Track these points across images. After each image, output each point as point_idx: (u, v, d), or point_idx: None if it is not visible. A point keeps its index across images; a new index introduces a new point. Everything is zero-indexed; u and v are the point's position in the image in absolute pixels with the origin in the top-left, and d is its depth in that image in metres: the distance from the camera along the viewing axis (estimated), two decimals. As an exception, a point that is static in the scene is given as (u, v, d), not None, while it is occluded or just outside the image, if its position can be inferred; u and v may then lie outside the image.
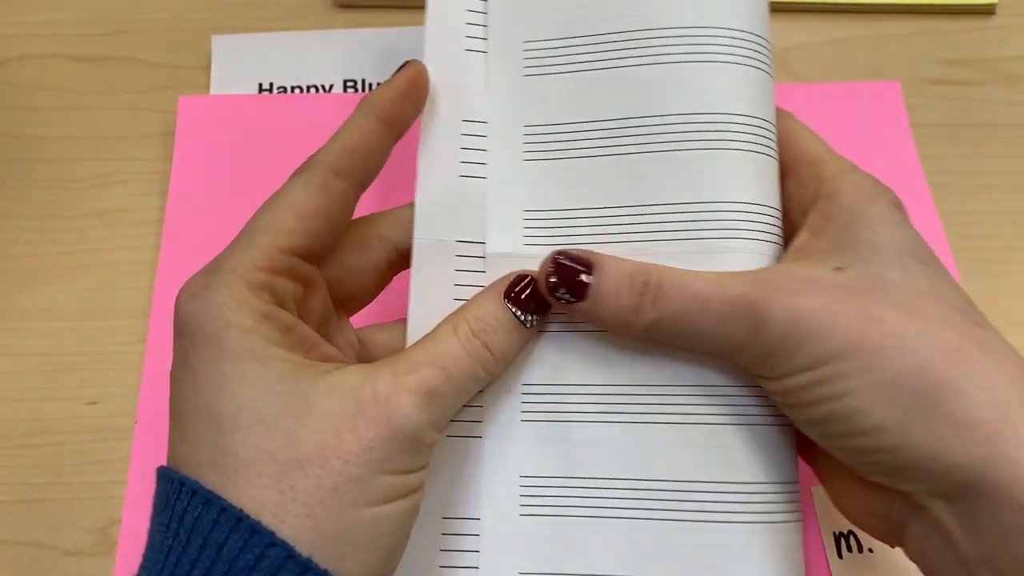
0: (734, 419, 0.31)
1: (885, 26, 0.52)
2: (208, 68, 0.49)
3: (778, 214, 0.33)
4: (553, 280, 0.31)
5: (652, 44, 0.33)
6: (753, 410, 0.31)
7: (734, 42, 0.33)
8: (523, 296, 0.31)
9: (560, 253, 0.31)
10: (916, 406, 0.27)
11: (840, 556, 0.38)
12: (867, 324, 0.28)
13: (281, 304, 0.29)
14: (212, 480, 0.26)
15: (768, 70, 0.33)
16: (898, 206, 0.31)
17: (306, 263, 0.30)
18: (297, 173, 0.31)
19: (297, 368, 0.27)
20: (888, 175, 0.47)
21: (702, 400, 0.32)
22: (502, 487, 0.32)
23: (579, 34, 0.34)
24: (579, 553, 0.32)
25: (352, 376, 0.28)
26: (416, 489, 0.28)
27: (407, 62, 0.33)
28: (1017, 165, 0.48)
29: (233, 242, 0.29)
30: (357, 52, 0.48)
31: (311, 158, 0.31)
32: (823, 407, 0.28)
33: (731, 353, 0.30)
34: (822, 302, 0.28)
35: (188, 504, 0.26)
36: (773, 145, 0.33)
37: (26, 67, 0.49)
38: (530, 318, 0.31)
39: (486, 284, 0.32)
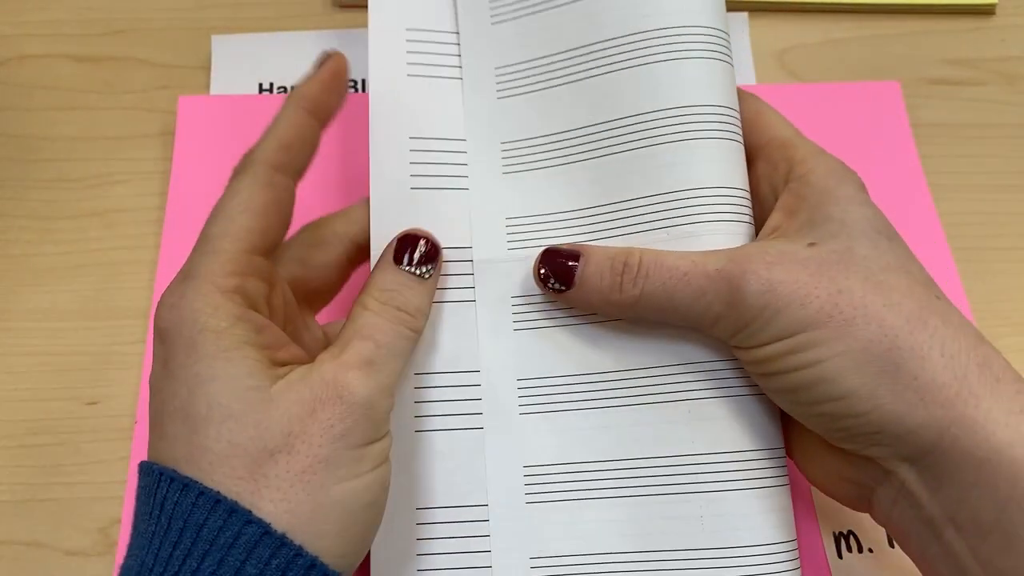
0: (717, 392, 0.33)
1: (885, 26, 0.52)
2: (208, 68, 0.49)
3: (747, 196, 0.34)
4: (543, 271, 0.34)
5: (613, 52, 0.35)
6: (734, 382, 0.33)
7: (691, 37, 0.34)
8: (411, 254, 0.33)
9: (549, 248, 0.34)
10: (883, 372, 0.29)
11: (840, 556, 0.38)
12: (838, 295, 0.30)
13: (253, 305, 0.31)
14: (190, 473, 0.27)
15: (727, 59, 0.35)
16: (863, 187, 0.33)
17: (267, 261, 0.32)
18: (239, 173, 0.32)
19: (263, 367, 0.29)
20: (888, 175, 0.47)
21: (685, 378, 0.34)
22: (507, 477, 0.34)
23: (544, 54, 0.37)
24: (584, 534, 0.34)
25: (301, 370, 0.30)
26: (382, 462, 0.30)
27: (328, 54, 0.34)
28: (1017, 165, 0.48)
29: (197, 248, 0.31)
30: (357, 52, 0.48)
31: (248, 156, 0.33)
32: (796, 375, 0.30)
33: (710, 325, 0.32)
34: (796, 274, 0.30)
35: (168, 491, 0.27)
36: (737, 130, 0.35)
37: (26, 67, 0.49)
38: (424, 270, 0.33)
39: (475, 286, 0.35)
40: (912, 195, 0.46)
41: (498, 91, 0.37)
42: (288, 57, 0.49)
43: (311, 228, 0.36)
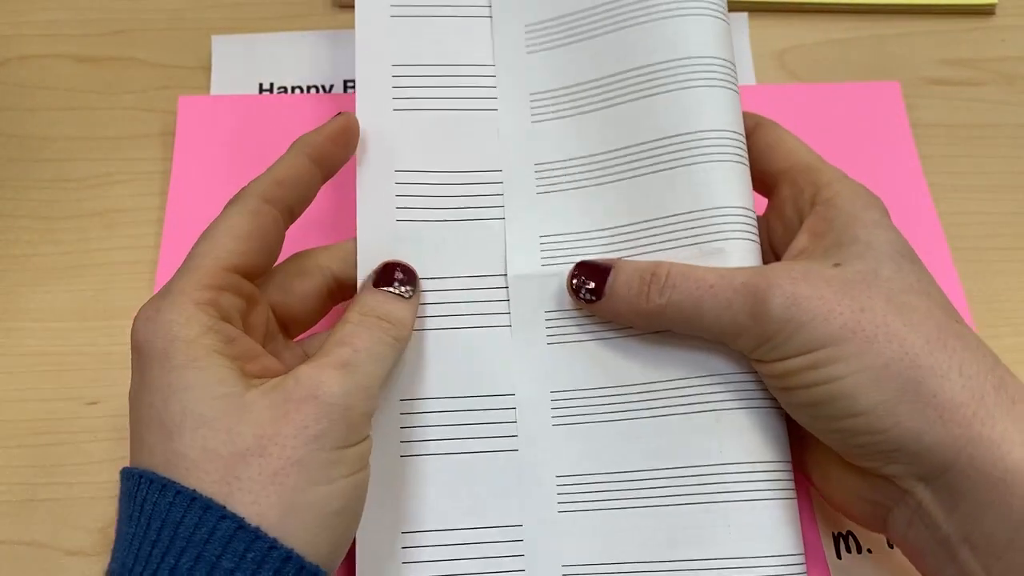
0: (740, 404, 0.34)
1: (885, 26, 0.52)
2: (208, 68, 0.49)
3: (755, 216, 0.36)
4: (575, 282, 0.35)
5: (639, 80, 0.37)
6: (755, 395, 0.34)
7: (708, 69, 0.36)
8: (390, 275, 0.35)
9: (583, 261, 0.36)
10: (902, 390, 0.30)
11: (839, 556, 0.38)
12: (861, 313, 0.31)
13: (226, 318, 0.31)
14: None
15: (735, 89, 0.37)
16: (886, 212, 0.34)
17: (247, 281, 0.33)
18: (231, 203, 0.34)
19: (235, 375, 0.30)
20: (888, 175, 0.47)
21: (711, 389, 0.35)
22: (540, 488, 0.35)
23: (576, 82, 0.39)
24: (614, 542, 0.35)
25: (277, 379, 0.30)
26: (360, 467, 0.30)
27: (339, 114, 0.37)
28: (1017, 165, 0.48)
29: (180, 268, 0.32)
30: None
31: (243, 190, 0.34)
32: (816, 391, 0.31)
33: (734, 337, 0.33)
34: (820, 290, 0.31)
35: (148, 493, 0.28)
36: (745, 155, 0.37)
37: (26, 67, 0.49)
38: (405, 289, 0.34)
39: (509, 299, 0.37)
40: (912, 195, 0.46)
41: (532, 116, 0.39)
42: (288, 57, 0.49)
43: (297, 257, 0.37)
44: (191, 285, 0.31)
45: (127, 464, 0.39)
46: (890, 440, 0.30)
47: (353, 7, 0.39)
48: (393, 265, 0.35)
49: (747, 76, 0.50)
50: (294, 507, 0.28)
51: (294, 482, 0.28)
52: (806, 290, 0.31)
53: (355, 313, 0.33)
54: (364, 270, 0.36)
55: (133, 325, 0.31)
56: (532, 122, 0.39)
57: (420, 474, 0.35)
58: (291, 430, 0.28)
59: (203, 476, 0.28)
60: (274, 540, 0.27)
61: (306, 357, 0.36)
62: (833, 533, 0.38)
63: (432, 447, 0.35)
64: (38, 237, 0.44)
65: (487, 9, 0.40)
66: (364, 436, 0.31)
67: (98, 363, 0.41)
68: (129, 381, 0.40)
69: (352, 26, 0.39)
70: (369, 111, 0.38)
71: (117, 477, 0.39)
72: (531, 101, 0.39)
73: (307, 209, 0.36)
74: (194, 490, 0.27)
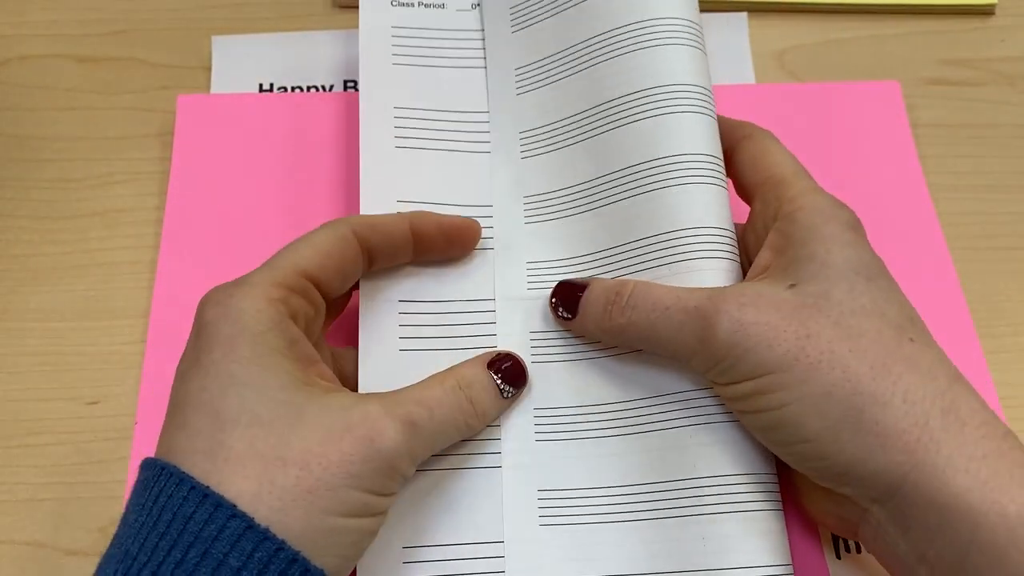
0: (716, 419, 0.35)
1: (885, 26, 0.52)
2: (208, 68, 0.49)
3: (733, 234, 0.37)
4: (554, 300, 0.37)
5: (617, 110, 0.38)
6: (726, 411, 0.35)
7: (681, 96, 0.37)
8: (503, 367, 0.36)
9: (563, 280, 0.37)
10: (845, 417, 0.30)
11: (838, 557, 0.38)
12: (806, 339, 0.31)
13: (293, 319, 0.32)
14: (203, 466, 0.28)
15: (711, 114, 0.38)
16: (854, 226, 0.34)
17: (318, 292, 0.34)
18: (323, 225, 0.35)
19: (297, 382, 0.30)
20: (888, 175, 0.47)
21: (689, 406, 0.35)
22: (522, 502, 0.36)
23: (560, 118, 0.41)
24: (595, 556, 0.35)
25: (346, 398, 0.31)
26: (381, 513, 0.31)
27: (474, 220, 0.38)
28: (1017, 165, 0.48)
29: (259, 266, 0.33)
30: (357, 52, 0.48)
31: (339, 219, 0.35)
32: (765, 416, 0.31)
33: (687, 358, 0.33)
34: (767, 316, 0.31)
35: (164, 485, 0.28)
36: (722, 176, 0.37)
37: (26, 67, 0.49)
38: (507, 388, 0.36)
39: (496, 322, 0.38)
40: (911, 195, 0.46)
41: (521, 152, 0.41)
42: (288, 57, 0.49)
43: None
44: (267, 280, 0.32)
45: (127, 464, 0.39)
46: (837, 465, 0.30)
47: (353, 7, 0.40)
48: (509, 356, 0.36)
49: (747, 76, 0.50)
50: (315, 526, 0.28)
51: (324, 505, 0.28)
52: (752, 316, 0.31)
53: (451, 379, 0.33)
54: (366, 294, 0.37)
55: (201, 304, 0.31)
56: (521, 158, 0.41)
57: (413, 488, 0.35)
58: (337, 458, 0.29)
59: (239, 470, 0.28)
60: (282, 542, 0.27)
61: (335, 363, 0.37)
62: (833, 534, 0.38)
63: (422, 464, 0.35)
64: (38, 237, 0.44)
65: (481, 60, 0.43)
66: (392, 492, 0.31)
67: (98, 363, 0.41)
68: (128, 381, 0.41)
69: (353, 26, 0.39)
70: (373, 149, 0.40)
71: (117, 477, 0.39)
72: (520, 139, 0.41)
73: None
74: (208, 486, 0.28)
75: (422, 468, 0.35)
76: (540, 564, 0.35)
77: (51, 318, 0.42)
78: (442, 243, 0.38)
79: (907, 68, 0.51)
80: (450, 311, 0.38)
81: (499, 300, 0.38)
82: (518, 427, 0.37)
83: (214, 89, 0.48)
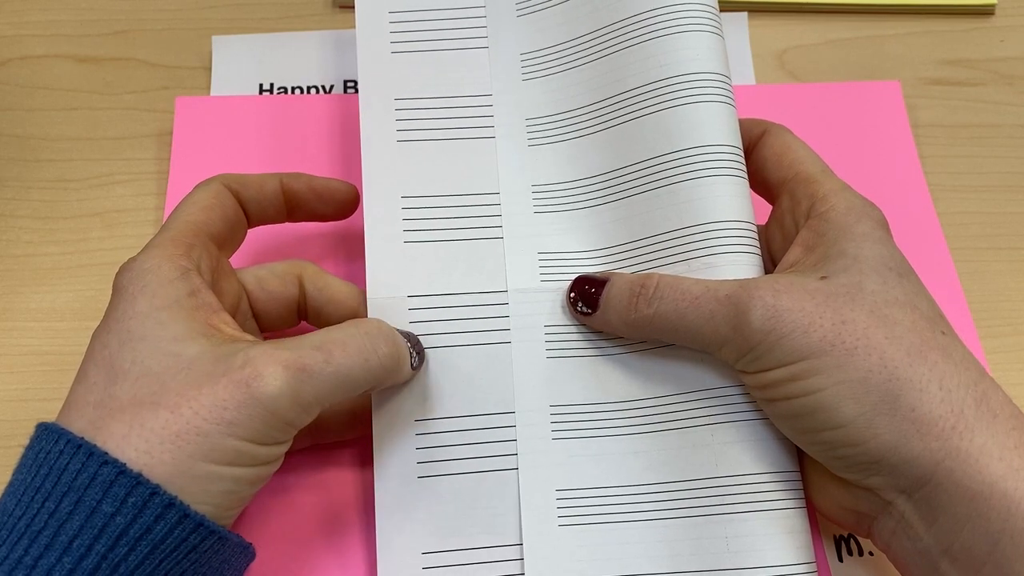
0: (738, 417, 0.34)
1: (885, 26, 0.52)
2: (208, 68, 0.49)
3: (754, 228, 0.36)
4: (572, 295, 0.36)
5: (633, 101, 0.38)
6: (748, 408, 0.34)
7: (701, 85, 0.37)
8: (414, 339, 0.35)
9: (581, 275, 0.37)
10: (881, 403, 0.30)
11: (840, 560, 0.38)
12: (842, 326, 0.31)
13: (197, 270, 0.32)
14: (90, 416, 0.29)
15: (731, 103, 0.37)
16: (883, 224, 0.34)
17: (214, 245, 0.34)
18: (197, 185, 0.36)
19: (192, 332, 0.30)
20: (888, 175, 0.47)
21: (709, 403, 0.35)
22: (540, 502, 0.35)
23: (570, 108, 0.40)
24: (616, 556, 0.35)
25: (233, 345, 0.30)
26: (266, 462, 0.30)
27: (348, 186, 0.39)
28: (1017, 165, 0.48)
29: (155, 234, 0.34)
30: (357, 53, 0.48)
31: (211, 177, 0.36)
32: (797, 402, 0.31)
33: (717, 348, 0.33)
34: (801, 303, 0.31)
35: (44, 442, 0.29)
36: (743, 168, 0.37)
37: (26, 67, 0.49)
38: (414, 356, 0.34)
39: (509, 316, 0.37)
40: (911, 195, 0.46)
41: (528, 140, 0.40)
42: (288, 57, 0.49)
43: (288, 263, 0.37)
44: (165, 240, 0.33)
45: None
46: (869, 452, 0.30)
47: (352, 7, 0.40)
48: (412, 336, 0.35)
49: (747, 76, 0.50)
50: (184, 471, 0.28)
51: (192, 450, 0.28)
52: (787, 302, 0.31)
53: (353, 326, 0.32)
54: (373, 291, 0.37)
55: (116, 274, 0.32)
56: (528, 146, 0.40)
57: (431, 493, 0.35)
58: (208, 402, 0.28)
59: (117, 417, 0.28)
60: (156, 486, 0.27)
61: (254, 292, 0.37)
62: (835, 536, 0.38)
63: (440, 467, 0.35)
64: (38, 237, 0.44)
65: (484, 40, 0.41)
66: (282, 440, 0.30)
67: (98, 363, 0.41)
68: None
69: (351, 26, 0.39)
70: (374, 142, 0.39)
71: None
72: (527, 127, 0.40)
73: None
74: (82, 437, 0.28)
75: (436, 470, 0.35)
76: (559, 565, 0.34)
77: (51, 318, 0.42)
78: (313, 201, 0.38)
79: (907, 68, 0.51)
80: (464, 304, 0.37)
81: (511, 292, 0.37)
82: (535, 425, 0.36)
83: (214, 89, 0.48)
